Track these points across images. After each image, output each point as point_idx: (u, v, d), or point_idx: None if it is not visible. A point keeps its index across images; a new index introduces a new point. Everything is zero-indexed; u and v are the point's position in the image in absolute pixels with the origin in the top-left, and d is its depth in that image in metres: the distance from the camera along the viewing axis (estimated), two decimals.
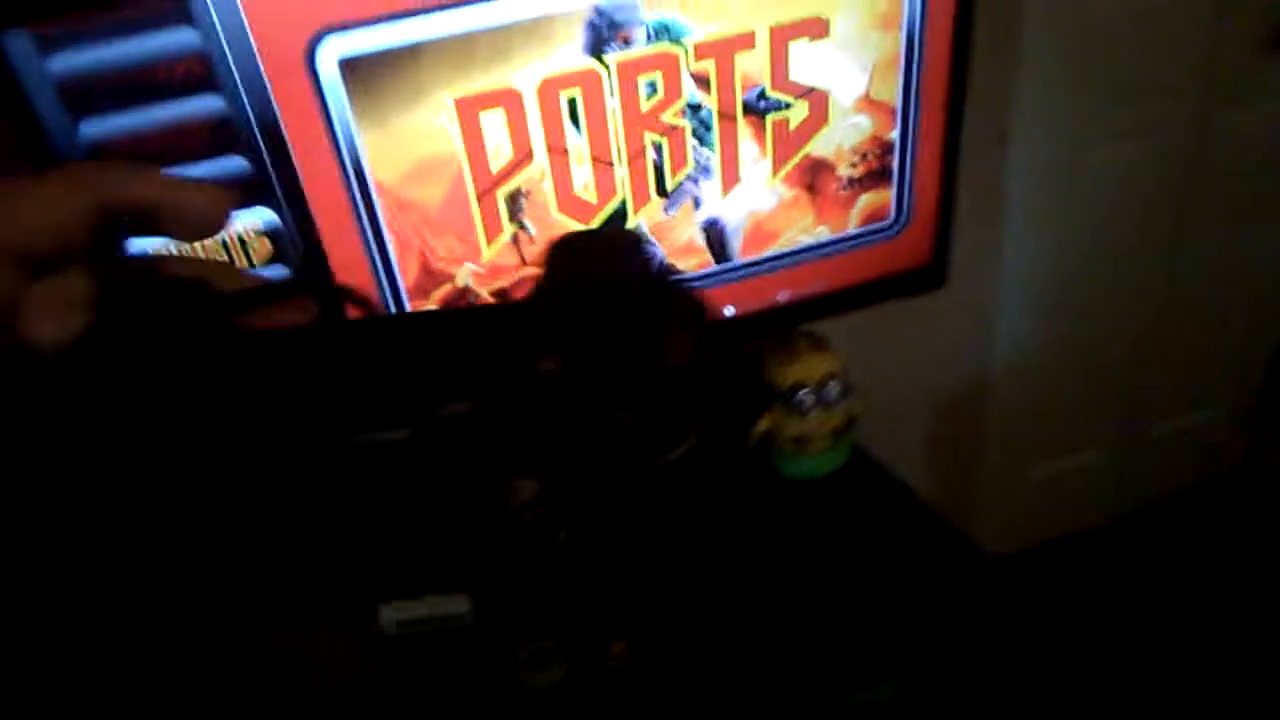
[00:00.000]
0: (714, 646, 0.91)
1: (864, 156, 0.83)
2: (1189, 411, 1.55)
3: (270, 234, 0.67)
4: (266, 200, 0.65)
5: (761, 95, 0.75)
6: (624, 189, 0.74)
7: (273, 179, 0.64)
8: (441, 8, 0.63)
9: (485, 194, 0.70)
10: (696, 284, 0.83)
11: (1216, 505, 1.64)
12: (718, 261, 0.83)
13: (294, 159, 0.63)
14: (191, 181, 0.27)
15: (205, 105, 0.61)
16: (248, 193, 0.64)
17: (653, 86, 0.72)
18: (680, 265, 0.81)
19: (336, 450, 0.24)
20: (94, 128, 0.59)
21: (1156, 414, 1.53)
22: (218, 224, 0.27)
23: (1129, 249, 1.32)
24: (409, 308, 0.73)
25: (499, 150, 0.69)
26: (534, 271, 0.76)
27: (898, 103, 0.81)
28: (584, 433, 0.29)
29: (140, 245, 0.51)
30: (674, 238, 0.79)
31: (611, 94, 0.71)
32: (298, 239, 0.67)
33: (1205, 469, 1.66)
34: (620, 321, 0.26)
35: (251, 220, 0.66)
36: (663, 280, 0.27)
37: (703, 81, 0.73)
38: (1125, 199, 1.28)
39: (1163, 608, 1.49)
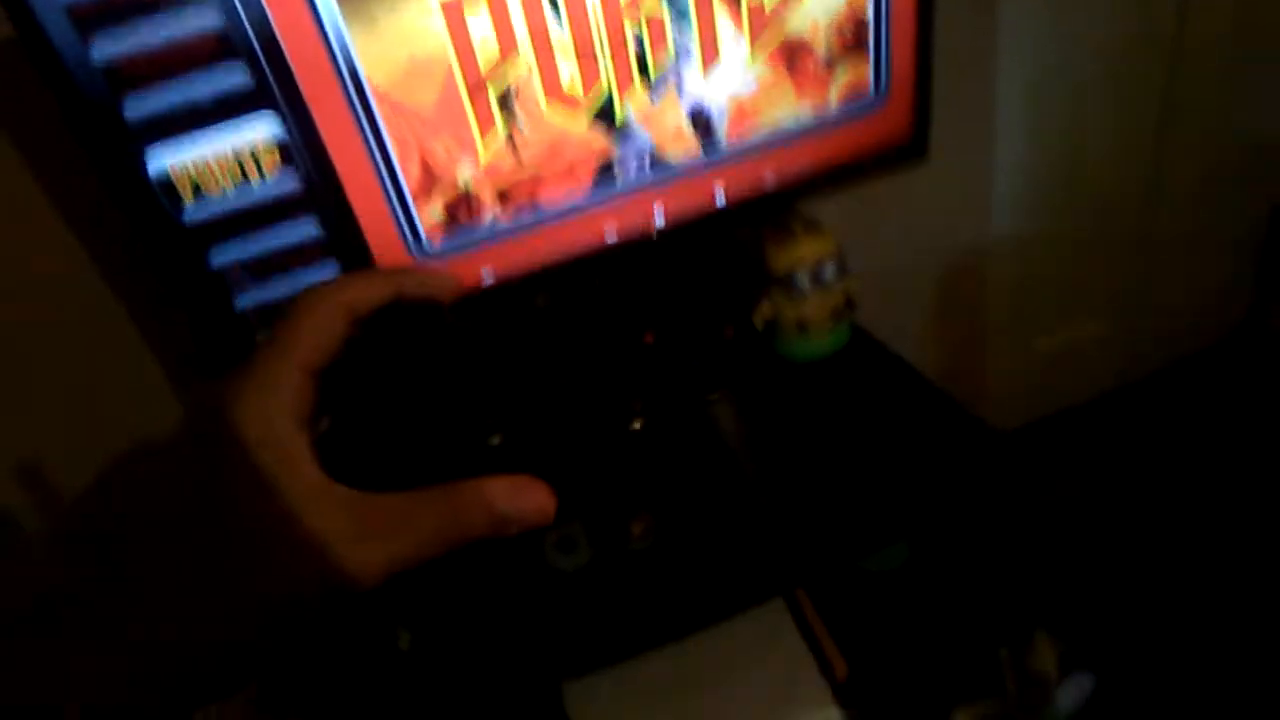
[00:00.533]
0: (730, 521, 0.96)
1: (840, 32, 0.85)
2: (1188, 277, 1.58)
3: (278, 145, 0.71)
4: (270, 110, 0.69)
5: None
6: (608, 78, 0.78)
7: (273, 88, 0.67)
8: None
9: (476, 93, 0.74)
10: (688, 170, 0.86)
11: (1218, 370, 1.67)
12: (706, 147, 0.86)
13: (291, 66, 0.67)
14: (435, 272, 0.37)
15: (205, 18, 0.64)
16: (251, 103, 0.68)
17: None
18: (671, 153, 0.84)
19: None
20: (103, 49, 0.63)
21: (1157, 281, 1.55)
22: (456, 289, 0.38)
23: (1120, 113, 1.34)
24: (414, 210, 0.77)
25: (485, 45, 0.72)
26: (532, 173, 0.80)
27: None
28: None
29: None
30: (662, 126, 0.83)
31: None
32: (303, 148, 0.71)
33: (1207, 334, 1.69)
34: None
35: (258, 133, 0.70)
36: None
37: None
38: (1113, 63, 1.29)
39: (1167, 473, 1.54)
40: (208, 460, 0.30)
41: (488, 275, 0.83)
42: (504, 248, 0.82)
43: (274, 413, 0.31)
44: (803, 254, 1.05)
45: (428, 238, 0.79)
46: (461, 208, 0.78)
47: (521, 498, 0.32)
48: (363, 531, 0.30)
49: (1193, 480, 1.50)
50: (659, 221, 0.88)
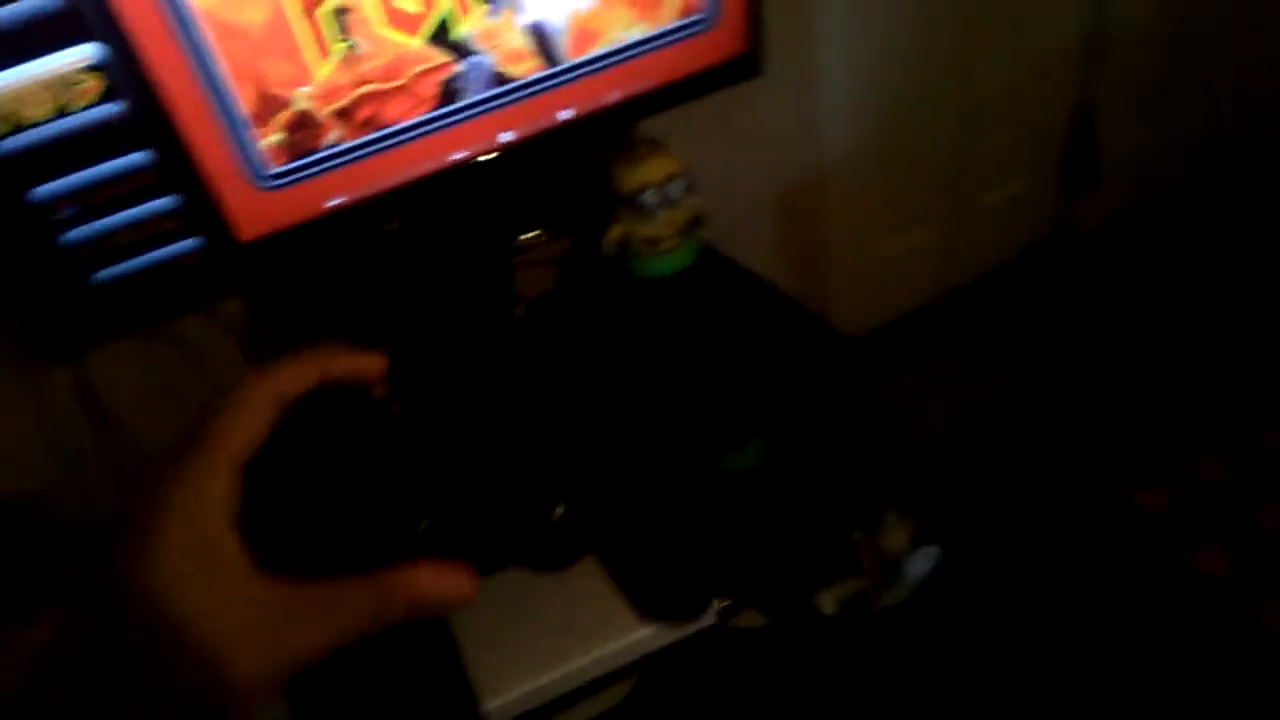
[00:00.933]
0: (593, 434, 0.99)
1: None
2: (1006, 183, 1.69)
3: (100, 70, 0.67)
4: (87, 33, 0.66)
5: None
6: None
7: (90, 8, 0.64)
8: None
9: (308, 10, 0.72)
10: (530, 89, 0.87)
11: (1036, 273, 1.81)
12: (547, 65, 0.87)
13: None
14: (360, 352, 0.38)
15: None
16: (68, 27, 0.65)
17: None
18: (512, 71, 0.85)
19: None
20: None
21: (979, 188, 1.66)
22: (373, 373, 0.39)
23: (929, 20, 1.41)
24: (252, 136, 0.75)
25: None
26: (372, 89, 0.79)
27: None
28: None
29: None
30: (502, 44, 0.83)
31: None
32: (127, 74, 0.68)
33: (1025, 238, 1.82)
34: None
35: (74, 58, 0.66)
36: None
37: None
38: None
39: (997, 370, 1.66)
40: (135, 559, 0.30)
41: (335, 201, 0.82)
42: (350, 173, 0.81)
43: (203, 511, 0.31)
44: (649, 173, 1.07)
45: (268, 165, 0.77)
46: (302, 132, 0.77)
47: (442, 582, 0.33)
48: (293, 621, 0.31)
49: (1022, 376, 1.64)
50: (504, 139, 0.89)
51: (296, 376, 0.36)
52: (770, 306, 1.16)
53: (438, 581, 0.33)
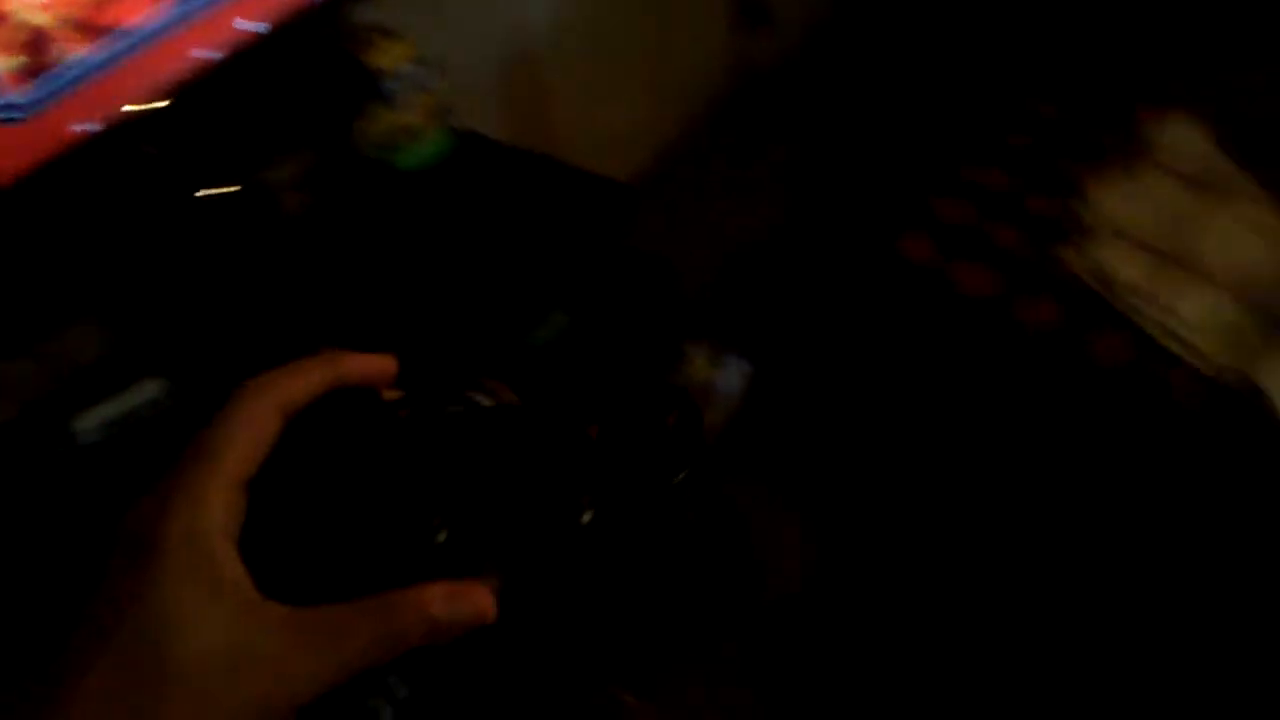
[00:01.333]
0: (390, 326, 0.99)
1: None
2: (695, 34, 1.81)
3: None
4: None
5: None
6: None
7: None
8: None
9: None
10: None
11: (733, 117, 1.96)
12: None
13: None
14: (370, 355, 0.35)
15: None
16: None
17: None
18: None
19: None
20: None
21: (673, 44, 1.77)
22: (392, 378, 0.36)
23: None
24: None
25: None
26: None
27: None
28: None
29: None
30: None
31: None
32: None
33: (719, 81, 1.97)
34: None
35: None
36: None
37: None
38: None
39: (750, 207, 1.80)
40: (136, 587, 0.29)
41: (87, 126, 0.75)
42: (96, 89, 0.74)
43: (205, 533, 0.30)
44: (388, 59, 1.06)
45: (11, 93, 0.69)
46: (38, 50, 0.69)
47: (459, 603, 0.31)
48: (298, 649, 0.29)
49: (773, 202, 1.77)
50: (243, 27, 0.84)
51: (302, 385, 0.33)
52: (540, 176, 1.19)
53: (453, 603, 0.31)
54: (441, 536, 0.32)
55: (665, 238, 1.67)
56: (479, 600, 0.31)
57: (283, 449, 0.32)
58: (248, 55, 0.85)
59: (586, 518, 0.34)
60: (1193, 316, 1.00)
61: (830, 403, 1.32)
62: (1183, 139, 1.17)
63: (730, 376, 1.27)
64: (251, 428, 0.32)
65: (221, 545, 0.30)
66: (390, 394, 0.36)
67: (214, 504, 0.30)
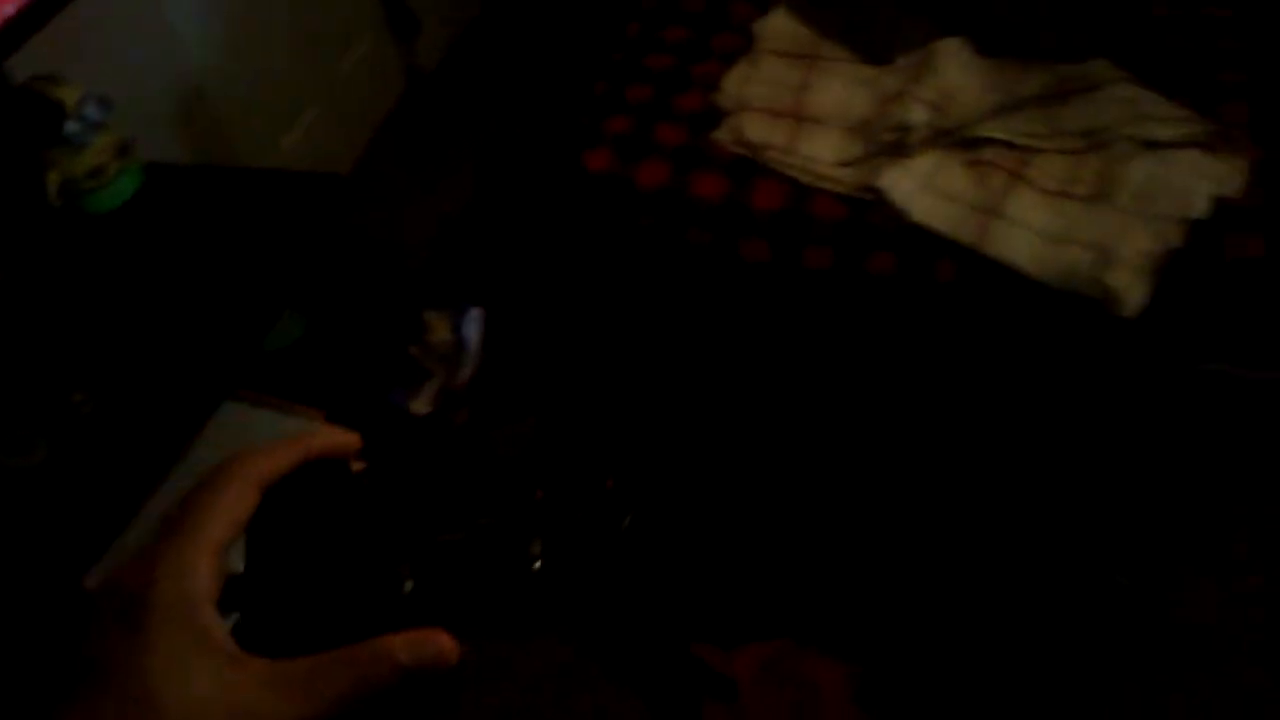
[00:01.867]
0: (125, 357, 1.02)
1: None
2: (357, 47, 1.90)
3: None
4: None
5: None
6: None
7: None
8: None
9: None
10: None
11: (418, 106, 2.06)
12: None
13: None
14: (337, 432, 0.40)
15: None
16: None
17: None
18: None
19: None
20: None
21: (336, 58, 1.84)
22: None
23: None
24: None
25: None
26: None
27: None
28: None
29: None
30: None
31: None
32: None
33: (392, 90, 2.06)
34: None
35: None
36: None
37: None
38: None
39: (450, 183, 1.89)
40: (131, 643, 0.32)
41: None
42: None
43: (191, 597, 0.33)
44: (67, 99, 1.08)
45: None
46: None
47: (421, 649, 0.34)
48: (278, 699, 0.32)
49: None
50: None
51: (277, 461, 0.37)
52: (242, 184, 1.24)
53: (416, 649, 0.34)
54: (408, 586, 0.35)
55: (382, 225, 1.75)
56: (440, 644, 0.34)
57: (262, 516, 0.36)
58: None
59: (537, 565, 0.37)
60: (822, 155, 1.22)
61: (559, 324, 1.47)
62: (782, 28, 1.41)
63: (469, 329, 1.38)
64: (231, 501, 0.35)
65: (205, 607, 0.33)
66: (357, 465, 0.40)
67: (198, 571, 0.33)
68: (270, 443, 0.38)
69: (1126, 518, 1.14)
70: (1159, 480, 1.15)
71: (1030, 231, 1.12)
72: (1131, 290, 1.06)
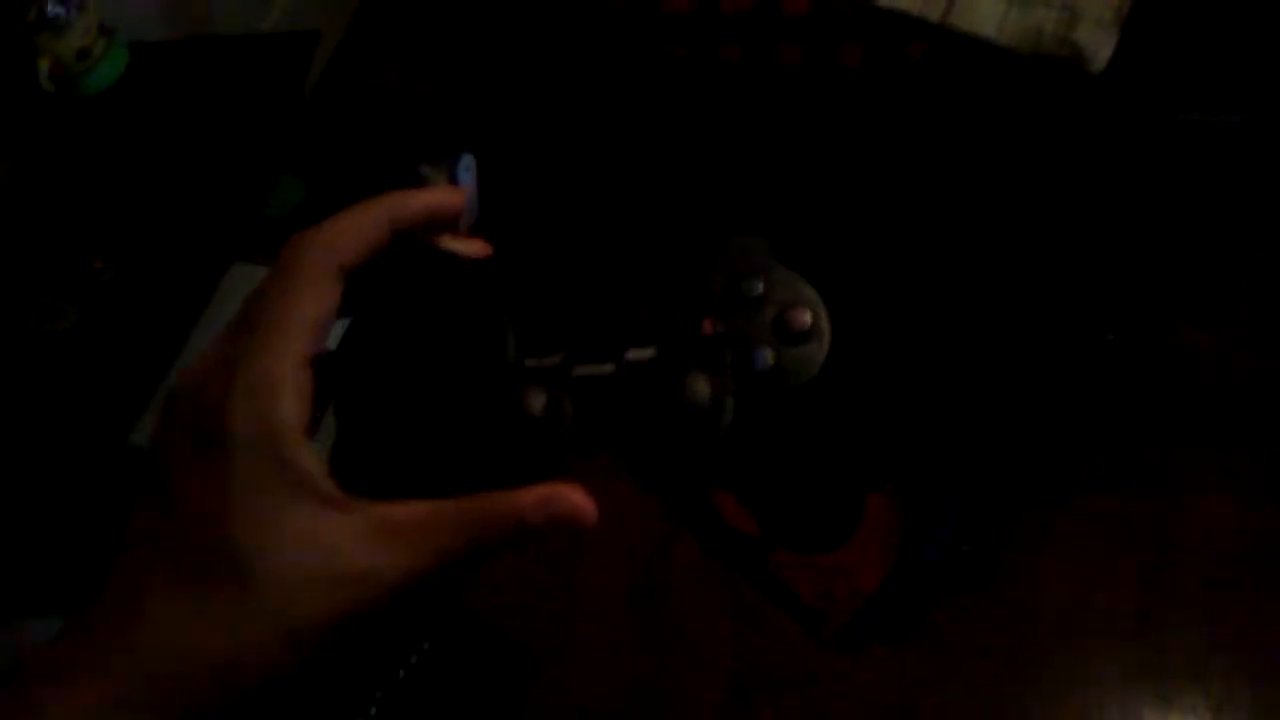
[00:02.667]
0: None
1: None
2: None
3: None
4: None
5: None
6: None
7: None
8: None
9: None
10: None
11: None
12: None
13: None
14: (434, 189, 0.31)
15: None
16: None
17: None
18: None
19: None
20: None
21: None
22: (467, 214, 0.32)
23: None
24: None
25: None
26: None
27: None
28: None
29: None
30: None
31: None
32: None
33: None
34: None
35: None
36: None
37: None
38: None
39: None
40: (204, 492, 0.27)
41: None
42: None
43: (277, 426, 0.27)
44: None
45: None
46: None
47: (555, 508, 0.28)
48: (385, 551, 0.27)
49: None
50: None
51: (361, 238, 0.29)
52: (229, 53, 1.27)
53: (549, 507, 0.27)
54: (538, 402, 0.28)
55: (376, 85, 1.78)
56: (576, 504, 0.28)
57: (347, 313, 0.29)
58: None
59: (726, 418, 0.28)
60: None
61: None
62: None
63: (464, 178, 1.41)
64: (313, 296, 0.28)
65: (295, 438, 0.27)
66: (460, 246, 0.31)
67: (282, 391, 0.27)
68: (348, 211, 0.30)
69: (1113, 275, 1.16)
70: (1144, 236, 1.16)
71: None
72: (1099, 45, 1.06)
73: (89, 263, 1.06)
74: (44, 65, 1.13)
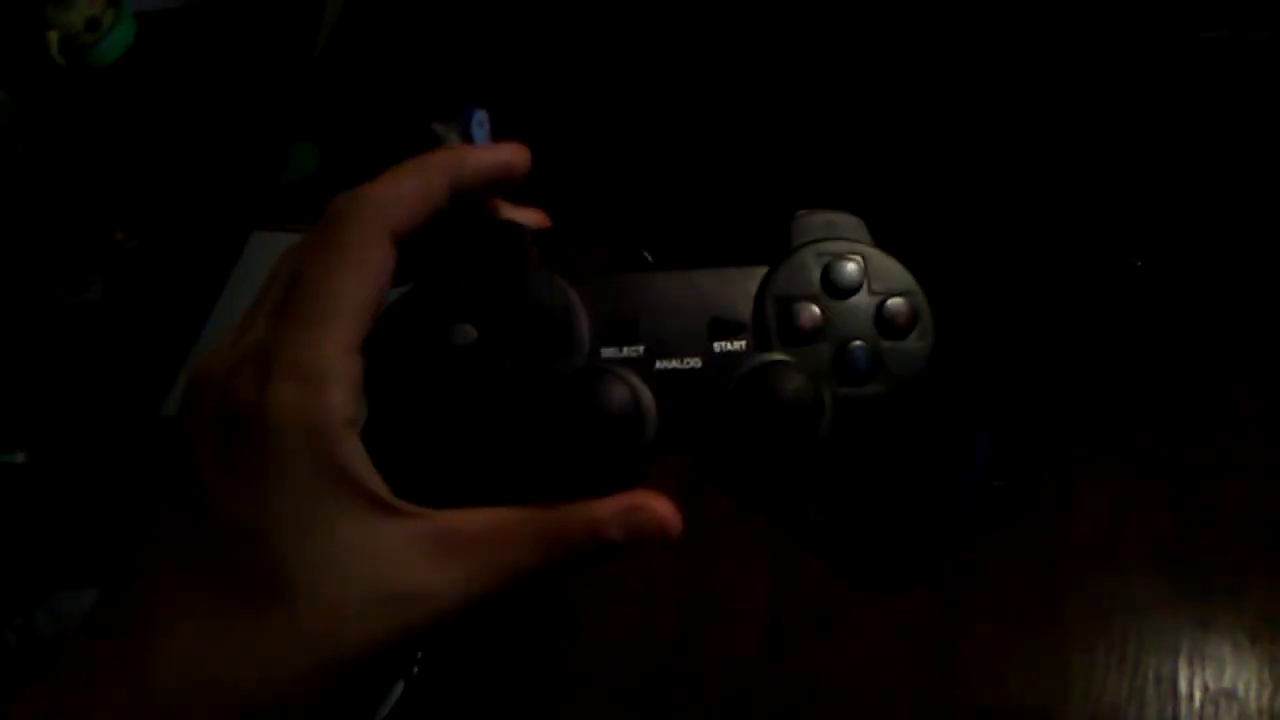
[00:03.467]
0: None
1: None
2: None
3: None
4: None
5: None
6: None
7: None
8: None
9: None
10: None
11: None
12: None
13: None
14: (496, 144, 0.28)
15: None
16: None
17: None
18: None
19: None
20: None
21: None
22: (523, 168, 0.28)
23: None
24: None
25: None
26: None
27: None
28: None
29: None
30: None
31: None
32: None
33: None
34: None
35: None
36: None
37: None
38: None
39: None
40: (239, 490, 0.23)
41: None
42: None
43: (323, 417, 0.23)
44: None
45: None
46: None
47: (636, 520, 0.25)
48: (434, 571, 0.23)
49: None
50: None
51: (417, 198, 0.26)
52: (235, 18, 1.26)
53: (630, 519, 0.24)
54: (618, 400, 0.24)
55: (387, 48, 1.76)
56: (661, 515, 0.25)
57: (403, 287, 0.26)
58: None
59: (824, 424, 0.25)
60: None
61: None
62: None
63: (478, 133, 1.40)
64: (363, 268, 0.24)
65: (343, 433, 0.23)
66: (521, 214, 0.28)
67: (329, 381, 0.23)
68: (400, 169, 0.26)
69: (1138, 196, 1.14)
70: (1169, 154, 1.14)
71: None
72: None
73: (112, 234, 1.07)
74: (54, 38, 1.13)
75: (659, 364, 0.26)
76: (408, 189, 0.25)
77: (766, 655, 0.78)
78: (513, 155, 0.28)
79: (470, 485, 0.25)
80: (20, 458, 0.86)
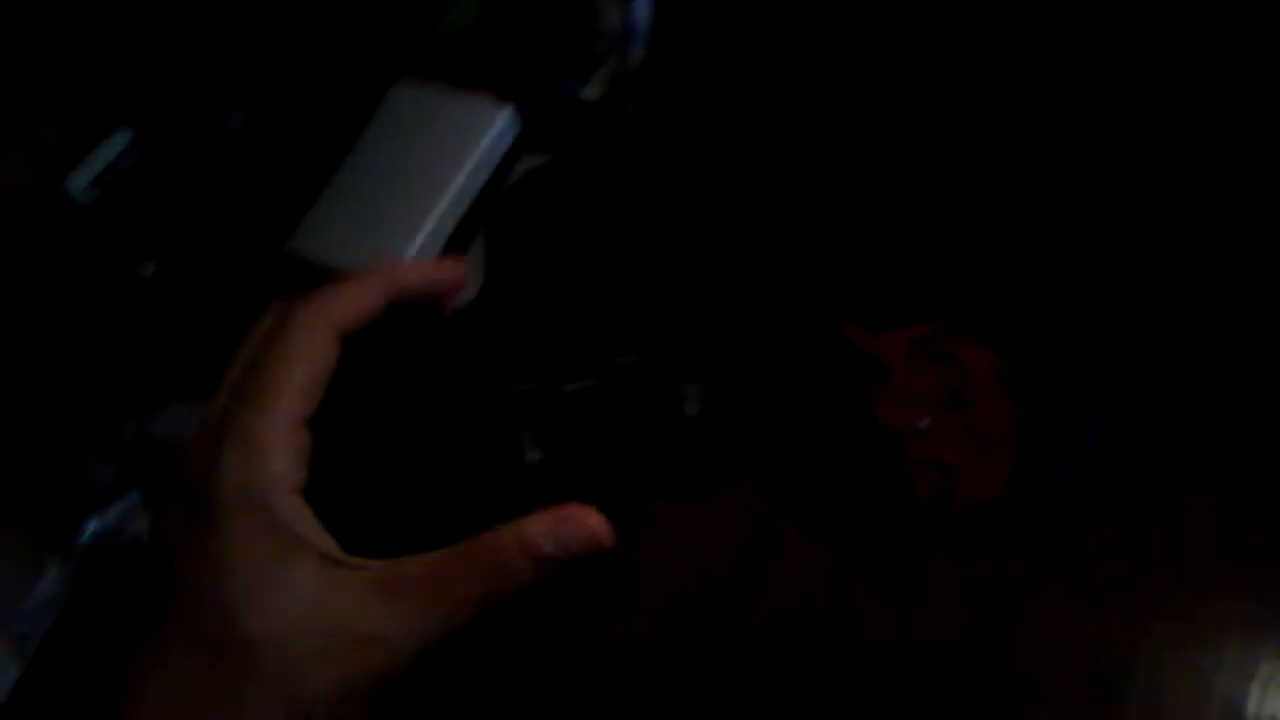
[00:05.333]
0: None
1: None
2: None
3: None
4: None
5: None
6: None
7: None
8: None
9: None
10: None
11: None
12: None
13: None
14: (434, 262, 0.31)
15: None
16: None
17: None
18: None
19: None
20: None
21: None
22: (462, 287, 0.32)
23: None
24: None
25: None
26: None
27: None
28: None
29: None
30: None
31: None
32: None
33: None
34: None
35: None
36: None
37: None
38: None
39: None
40: (195, 557, 0.25)
41: None
42: None
43: (265, 487, 0.26)
44: None
45: None
46: None
47: (566, 532, 0.26)
48: (396, 613, 0.25)
49: None
50: None
51: (359, 303, 0.29)
52: None
53: (560, 532, 0.26)
54: (532, 455, 0.27)
55: None
56: (588, 524, 0.27)
57: (342, 375, 0.28)
58: None
59: (692, 408, 0.28)
60: None
61: None
62: None
63: (639, 11, 1.35)
64: (309, 359, 0.28)
65: (285, 498, 0.26)
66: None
67: (272, 451, 0.26)
68: (346, 281, 0.29)
69: None
70: None
71: None
72: None
73: (260, 69, 1.08)
74: None
75: (565, 387, 0.29)
76: (350, 298, 0.29)
77: (819, 596, 0.76)
78: (448, 274, 0.31)
79: (415, 536, 0.27)
80: (149, 270, 0.90)
